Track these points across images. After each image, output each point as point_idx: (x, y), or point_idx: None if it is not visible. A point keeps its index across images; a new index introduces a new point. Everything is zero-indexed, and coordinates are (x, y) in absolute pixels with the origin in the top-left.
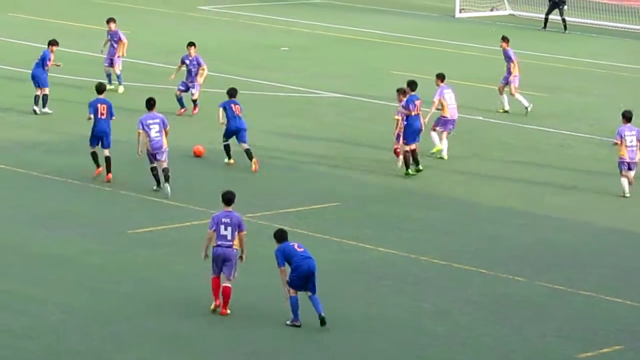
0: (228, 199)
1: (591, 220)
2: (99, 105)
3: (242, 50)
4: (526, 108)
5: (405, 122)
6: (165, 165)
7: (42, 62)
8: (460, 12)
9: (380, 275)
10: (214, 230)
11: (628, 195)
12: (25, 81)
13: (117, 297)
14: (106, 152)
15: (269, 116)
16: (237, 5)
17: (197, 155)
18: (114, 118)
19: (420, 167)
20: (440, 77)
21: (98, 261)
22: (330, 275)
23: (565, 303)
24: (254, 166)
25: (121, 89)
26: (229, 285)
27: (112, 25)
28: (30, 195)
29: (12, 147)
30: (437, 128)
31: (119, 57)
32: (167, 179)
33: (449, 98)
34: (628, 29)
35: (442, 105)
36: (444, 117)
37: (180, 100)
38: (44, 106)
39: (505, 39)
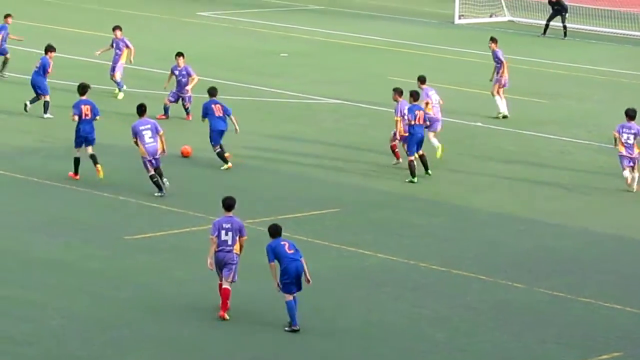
0: (228, 204)
1: (591, 226)
2: (82, 106)
3: (242, 56)
4: (499, 113)
5: (407, 132)
6: (152, 172)
7: (42, 69)
8: (460, 18)
9: (380, 281)
10: (217, 236)
11: (630, 184)
12: (23, 86)
13: (117, 302)
14: (90, 149)
15: (268, 122)
16: (236, 12)
17: (185, 155)
18: (98, 118)
19: (430, 172)
20: (422, 80)
21: (98, 266)
22: (330, 281)
23: (565, 309)
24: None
25: (121, 95)
26: (229, 287)
27: (118, 33)
28: (30, 201)
29: (11, 152)
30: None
31: (122, 64)
32: (161, 176)
33: (434, 98)
34: (627, 35)
35: (426, 105)
36: (430, 117)
37: (166, 109)
38: (45, 112)
39: (493, 40)
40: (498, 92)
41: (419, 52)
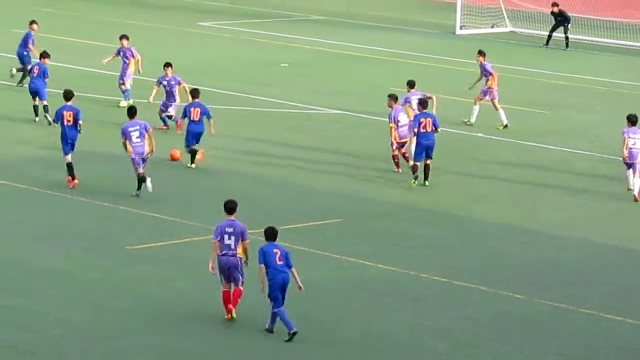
0: (230, 207)
1: (592, 238)
2: (64, 112)
3: (243, 66)
4: (469, 120)
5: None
6: (141, 171)
7: (43, 75)
8: (461, 29)
9: (381, 292)
10: (219, 241)
11: (632, 189)
12: (25, 95)
13: (118, 312)
14: (70, 157)
15: (269, 132)
16: (237, 22)
17: (174, 159)
18: (80, 123)
19: (427, 183)
20: (411, 84)
21: (99, 277)
22: (330, 292)
23: (567, 321)
24: (199, 156)
25: (123, 104)
26: (241, 288)
27: (125, 42)
28: (31, 211)
29: (13, 162)
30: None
31: (131, 72)
32: (144, 179)
33: (414, 103)
34: (629, 46)
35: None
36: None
37: (163, 119)
38: (46, 112)
39: (481, 53)
40: (479, 102)
41: (421, 63)
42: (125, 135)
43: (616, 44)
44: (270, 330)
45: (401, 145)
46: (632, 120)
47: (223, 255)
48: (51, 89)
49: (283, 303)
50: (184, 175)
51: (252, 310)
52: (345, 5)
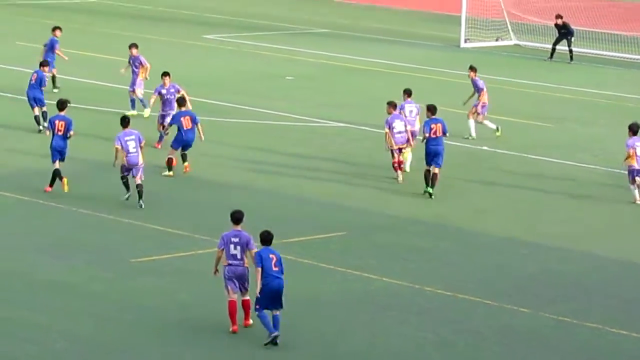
0: (237, 217)
1: (596, 251)
2: (56, 121)
3: (247, 79)
4: (470, 136)
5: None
6: (139, 181)
7: (40, 82)
8: (466, 42)
9: (385, 305)
10: (223, 249)
11: (639, 202)
12: (27, 106)
13: (121, 325)
14: (58, 164)
15: (273, 145)
16: (241, 35)
17: (170, 166)
18: (70, 133)
19: (432, 191)
20: (408, 93)
21: (102, 289)
22: (335, 305)
23: (571, 335)
24: (184, 169)
25: (147, 112)
26: (248, 297)
27: (134, 51)
28: (34, 223)
29: (16, 174)
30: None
31: (141, 80)
32: (140, 196)
33: (409, 112)
34: (634, 59)
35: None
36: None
37: (161, 135)
38: (44, 119)
39: (472, 69)
40: (472, 116)
41: (425, 76)
42: (122, 143)
43: (621, 57)
44: (273, 342)
45: (397, 151)
46: (633, 130)
47: (230, 265)
48: (50, 100)
49: (278, 308)
50: (187, 188)
51: (255, 321)
52: (349, 17)
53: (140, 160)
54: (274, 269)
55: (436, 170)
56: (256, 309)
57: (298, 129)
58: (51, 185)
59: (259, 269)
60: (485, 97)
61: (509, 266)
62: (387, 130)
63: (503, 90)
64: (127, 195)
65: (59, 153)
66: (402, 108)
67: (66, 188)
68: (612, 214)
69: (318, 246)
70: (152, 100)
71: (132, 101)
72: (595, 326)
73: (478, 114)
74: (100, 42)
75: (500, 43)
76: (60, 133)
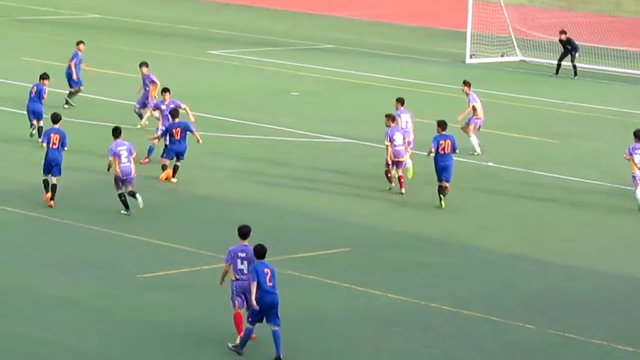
0: (244, 232)
1: (602, 267)
2: (52, 134)
3: (252, 95)
4: (474, 152)
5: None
6: (131, 189)
7: (38, 95)
8: (471, 57)
9: (390, 321)
10: (229, 264)
11: None
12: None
13: (127, 341)
14: (54, 179)
15: (278, 160)
16: (246, 50)
17: (167, 178)
18: (66, 148)
19: (443, 203)
20: (400, 101)
21: (108, 304)
22: (340, 321)
23: (577, 352)
24: (173, 180)
25: (143, 122)
26: None
27: (144, 69)
28: (41, 239)
29: (23, 190)
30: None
31: (153, 99)
32: (133, 195)
33: (405, 124)
34: (639, 75)
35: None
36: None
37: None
38: (39, 133)
39: (466, 83)
40: (471, 132)
41: (430, 92)
42: (115, 154)
43: (626, 73)
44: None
45: (396, 164)
46: (638, 135)
47: (238, 280)
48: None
49: (276, 323)
50: (192, 203)
51: (261, 334)
52: (353, 33)
53: (133, 171)
54: (268, 284)
55: (447, 184)
56: (248, 321)
57: (303, 144)
58: (48, 191)
59: (255, 282)
60: (480, 112)
61: (515, 283)
62: (387, 143)
63: (508, 106)
64: (125, 213)
65: (55, 167)
66: (397, 117)
67: (51, 203)
68: (619, 231)
69: (322, 262)
70: (147, 114)
71: (140, 116)
72: (601, 343)
73: (468, 125)
74: (105, 58)
75: (505, 59)
76: (55, 146)
